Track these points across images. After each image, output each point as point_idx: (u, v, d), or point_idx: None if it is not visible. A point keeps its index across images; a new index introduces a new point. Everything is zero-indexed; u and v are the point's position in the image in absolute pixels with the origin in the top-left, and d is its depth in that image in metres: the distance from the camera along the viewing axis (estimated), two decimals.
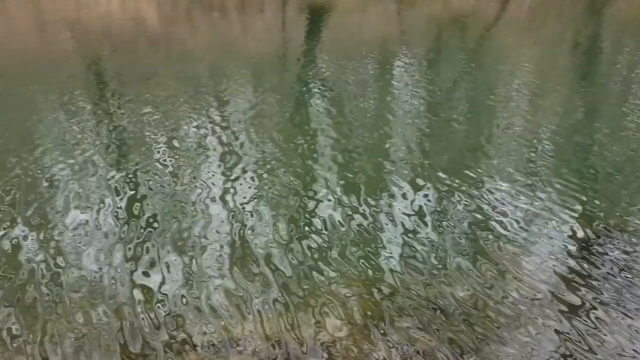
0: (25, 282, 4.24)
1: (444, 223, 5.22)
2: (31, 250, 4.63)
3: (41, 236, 4.83)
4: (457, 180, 6.04)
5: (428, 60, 12.12)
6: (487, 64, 12.09)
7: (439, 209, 5.49)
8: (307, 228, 5.06)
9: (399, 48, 13.04)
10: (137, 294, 4.14)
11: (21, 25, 14.84)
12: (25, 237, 4.81)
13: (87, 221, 5.08)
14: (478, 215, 5.35)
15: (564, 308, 4.09)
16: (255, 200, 5.54)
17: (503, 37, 15.67)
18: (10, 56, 11.44)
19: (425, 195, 5.72)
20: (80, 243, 4.75)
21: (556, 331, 3.87)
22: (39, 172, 6.04)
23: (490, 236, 5.01)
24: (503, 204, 5.57)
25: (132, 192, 5.64)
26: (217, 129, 7.40)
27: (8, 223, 5.02)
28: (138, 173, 6.08)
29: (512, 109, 8.76)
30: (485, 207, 5.51)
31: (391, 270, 4.48)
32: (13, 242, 4.74)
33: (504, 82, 10.51)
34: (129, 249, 4.68)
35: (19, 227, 4.97)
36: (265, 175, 6.07)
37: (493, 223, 5.22)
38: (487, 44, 14.89)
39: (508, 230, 5.09)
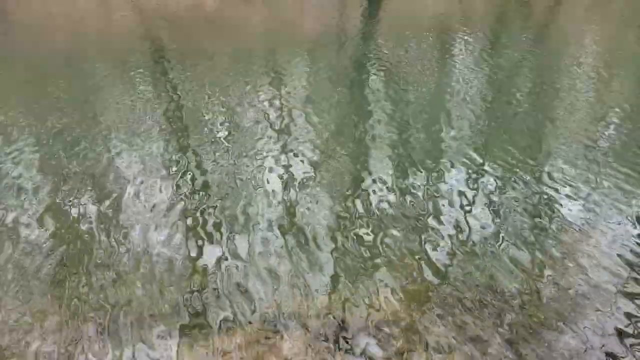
0: (85, 252, 4.42)
1: (501, 208, 5.09)
2: (92, 221, 4.81)
3: (102, 208, 5.02)
4: (516, 164, 5.87)
5: (490, 40, 11.75)
6: (552, 45, 11.64)
7: (495, 193, 5.35)
8: (360, 209, 5.04)
9: (460, 27, 12.70)
10: (194, 269, 4.25)
11: (84, 6, 15.25)
12: (86, 209, 5.01)
13: (145, 195, 5.23)
14: (537, 201, 5.19)
15: (627, 299, 3.93)
16: (310, 179, 5.55)
17: (569, 16, 15.02)
18: (74, 35, 11.82)
19: (482, 179, 5.59)
20: (137, 216, 4.90)
21: (617, 323, 3.73)
22: (102, 146, 6.25)
23: (549, 223, 4.86)
24: (564, 190, 5.38)
25: (189, 168, 5.76)
26: (273, 107, 7.44)
27: (72, 194, 5.24)
28: (194, 149, 6.20)
29: (578, 91, 8.41)
30: (545, 192, 5.34)
31: (443, 255, 4.42)
32: (77, 212, 4.94)
33: (569, 64, 10.08)
34: (185, 223, 4.80)
35: (81, 198, 5.17)
36: (319, 155, 6.06)
37: (552, 209, 5.06)
38: (553, 24, 14.31)
39: (568, 217, 4.92)
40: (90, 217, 4.88)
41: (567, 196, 5.25)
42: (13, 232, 4.67)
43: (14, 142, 6.35)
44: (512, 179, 5.60)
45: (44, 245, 4.49)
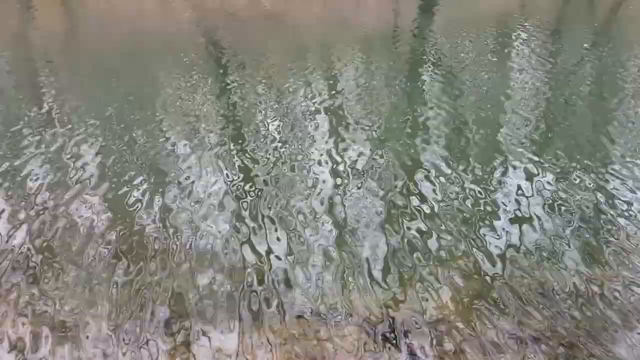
0: (140, 242, 4.55)
1: (557, 207, 4.93)
2: (148, 212, 4.96)
3: (157, 199, 5.16)
4: (574, 164, 5.69)
5: (550, 37, 11.41)
6: (616, 42, 11.18)
7: (553, 192, 5.19)
8: (412, 204, 4.99)
9: (519, 23, 12.38)
10: (246, 262, 4.30)
11: (146, 4, 15.66)
12: (143, 199, 5.16)
13: (199, 188, 5.34)
14: (595, 201, 5.01)
15: None
16: (362, 173, 5.54)
17: (636, 13, 14.38)
18: (136, 32, 12.18)
19: (539, 178, 5.44)
20: (191, 208, 5.01)
21: None
22: (159, 139, 6.44)
23: (608, 223, 4.68)
24: (624, 191, 5.17)
25: (242, 162, 5.85)
26: (327, 102, 7.46)
27: (129, 185, 5.41)
28: (248, 143, 6.29)
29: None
30: (606, 193, 5.15)
31: (498, 252, 4.32)
32: (134, 203, 5.10)
33: (635, 62, 9.65)
34: (237, 216, 4.88)
35: (139, 189, 5.34)
36: (372, 150, 6.04)
37: (611, 210, 4.88)
38: (618, 21, 13.76)
39: (628, 218, 4.74)
40: (146, 208, 5.02)
41: (627, 197, 5.05)
42: (71, 220, 4.85)
43: (77, 132, 6.62)
44: (570, 178, 5.43)
45: (101, 233, 4.65)
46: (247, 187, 5.34)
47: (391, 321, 3.67)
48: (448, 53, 10.10)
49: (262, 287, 4.01)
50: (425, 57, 9.89)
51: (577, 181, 5.37)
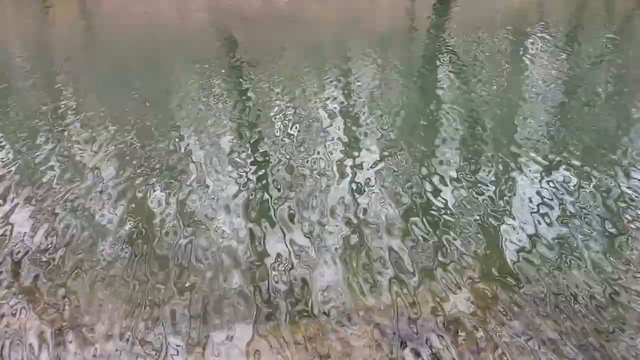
0: (155, 240, 4.59)
1: (576, 209, 4.90)
2: (162, 210, 5.00)
3: (172, 198, 5.20)
4: (592, 165, 5.65)
5: (567, 36, 11.33)
6: (635, 41, 11.06)
7: (571, 193, 5.15)
8: (429, 204, 4.98)
9: (535, 21, 12.30)
10: (261, 261, 4.32)
11: (162, 5, 15.76)
12: (157, 198, 5.21)
13: (214, 187, 5.38)
14: (614, 203, 4.97)
15: None
16: (377, 173, 5.54)
17: None
18: (152, 33, 12.27)
19: (557, 179, 5.40)
20: (206, 207, 5.04)
21: None
22: (174, 138, 6.49)
23: (628, 225, 4.64)
24: None
25: (257, 161, 5.88)
26: (342, 102, 7.47)
27: (144, 184, 5.47)
28: (263, 143, 6.32)
29: None
30: (623, 194, 5.10)
31: (515, 254, 4.31)
32: (148, 201, 5.14)
33: None
34: (252, 215, 4.90)
35: (153, 188, 5.38)
36: (387, 149, 6.05)
37: (631, 211, 4.83)
38: (637, 18, 13.62)
39: None
40: (163, 207, 5.06)
41: None
42: (87, 218, 4.91)
43: (93, 132, 6.70)
44: (589, 180, 5.38)
45: (119, 233, 4.70)
46: (261, 187, 5.37)
47: (407, 322, 3.67)
48: (463, 52, 10.07)
49: (277, 287, 4.03)
50: (439, 55, 9.86)
51: (594, 182, 5.33)
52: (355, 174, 5.57)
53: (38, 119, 7.16)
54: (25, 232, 4.71)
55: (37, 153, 6.17)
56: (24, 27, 13.61)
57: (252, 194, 5.25)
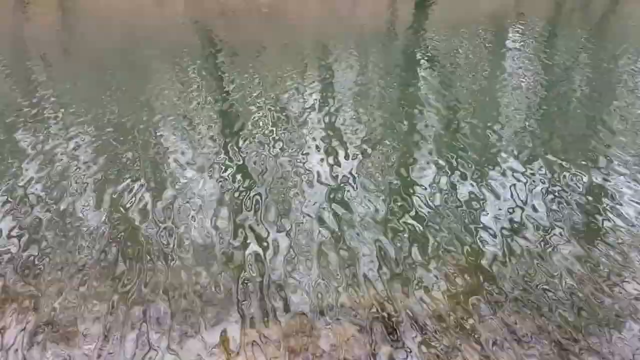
0: (134, 239, 4.54)
1: (555, 206, 4.95)
2: (143, 209, 4.96)
3: (152, 196, 5.16)
4: (572, 161, 5.72)
5: (546, 34, 11.44)
6: (612, 37, 11.22)
7: (550, 190, 5.21)
8: (408, 202, 5.00)
9: (514, 19, 12.40)
10: (241, 259, 4.31)
11: (142, 1, 15.62)
12: (138, 196, 5.15)
13: (194, 185, 5.35)
14: (593, 199, 5.04)
15: None
16: (357, 172, 5.55)
17: (633, 8, 14.41)
18: (131, 29, 12.15)
19: (537, 176, 5.46)
20: (186, 205, 5.01)
21: None
22: (154, 136, 6.44)
23: (606, 222, 4.70)
24: (622, 188, 5.20)
25: (237, 159, 5.85)
26: (322, 101, 7.46)
27: (124, 181, 5.41)
28: (243, 140, 6.29)
29: (636, 87, 8.09)
30: (603, 192, 5.17)
31: (494, 251, 4.34)
32: (129, 199, 5.09)
33: (630, 57, 9.69)
34: (233, 213, 4.88)
35: (133, 186, 5.33)
36: (367, 148, 6.05)
37: (610, 208, 4.90)
38: (614, 14, 13.80)
39: (627, 216, 4.76)
40: (141, 205, 5.02)
41: (626, 194, 5.08)
42: (67, 218, 4.85)
43: (71, 130, 6.61)
44: (568, 176, 5.45)
45: (97, 231, 4.65)
46: (244, 185, 5.34)
47: (386, 319, 3.68)
48: (442, 49, 10.12)
49: (261, 284, 4.01)
50: (419, 53, 9.90)
51: (574, 179, 5.39)
52: (336, 172, 5.56)
53: (13, 115, 7.05)
54: (3, 233, 4.64)
55: (12, 149, 6.08)
56: (1, 22, 13.39)
57: (233, 192, 5.22)
